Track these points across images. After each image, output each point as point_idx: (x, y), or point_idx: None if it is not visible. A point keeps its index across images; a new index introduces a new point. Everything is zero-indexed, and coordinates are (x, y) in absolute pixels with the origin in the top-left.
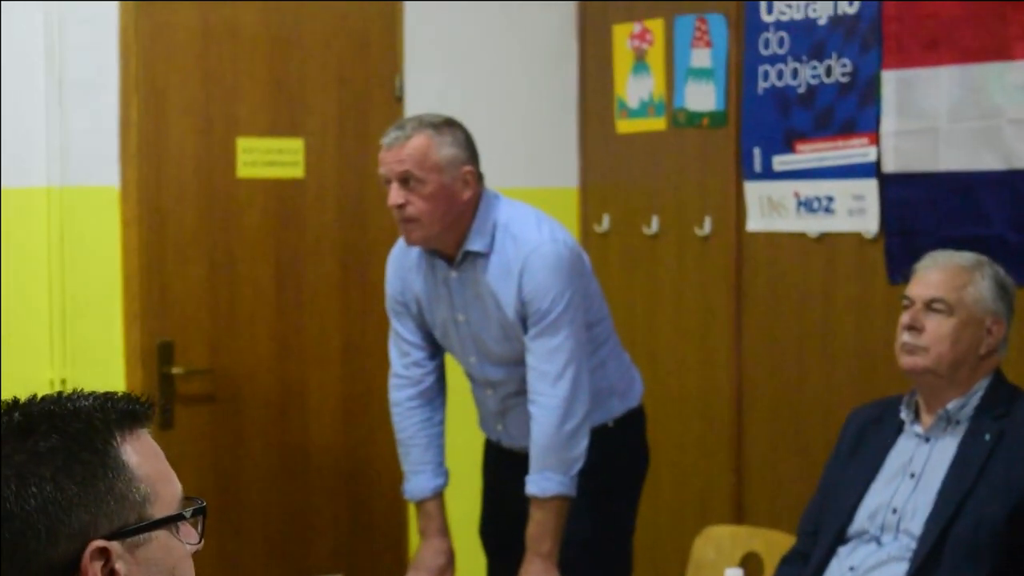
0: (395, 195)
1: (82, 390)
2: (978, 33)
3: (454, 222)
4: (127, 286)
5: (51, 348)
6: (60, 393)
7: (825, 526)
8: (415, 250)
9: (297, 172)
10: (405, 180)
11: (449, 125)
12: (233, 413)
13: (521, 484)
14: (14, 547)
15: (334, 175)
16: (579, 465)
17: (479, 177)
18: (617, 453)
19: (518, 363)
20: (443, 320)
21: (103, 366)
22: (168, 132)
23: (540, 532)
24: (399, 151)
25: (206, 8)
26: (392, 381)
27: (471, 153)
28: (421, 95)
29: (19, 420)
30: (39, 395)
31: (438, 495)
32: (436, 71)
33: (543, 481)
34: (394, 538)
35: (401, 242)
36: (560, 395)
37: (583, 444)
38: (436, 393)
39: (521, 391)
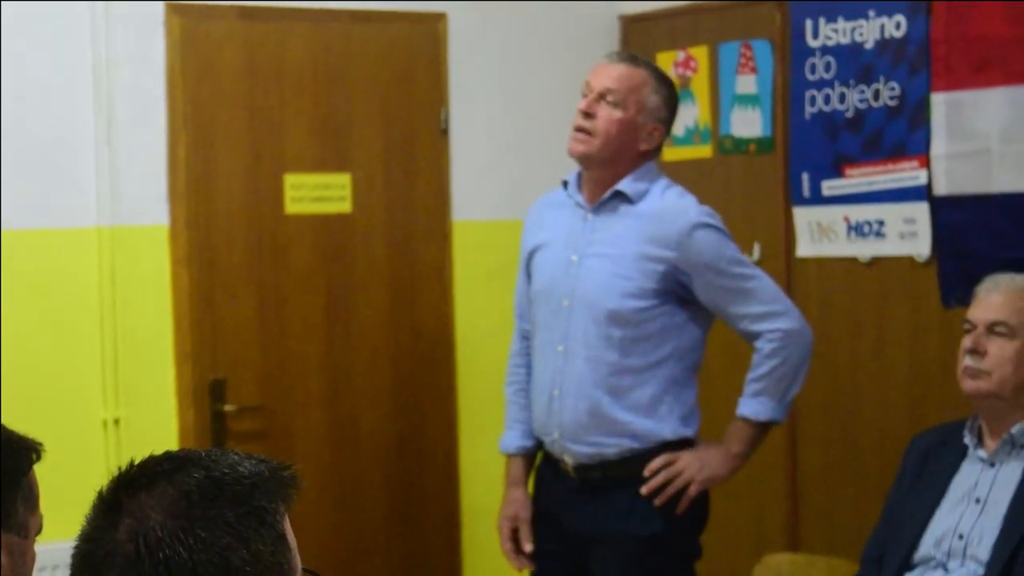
0: (588, 103)
1: (234, 451)
2: None
3: (619, 160)
4: (178, 324)
5: (103, 388)
6: (213, 453)
7: (890, 553)
8: (562, 194)
9: (344, 207)
10: (604, 95)
11: (670, 84)
12: (285, 449)
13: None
14: None
15: (382, 209)
16: (795, 391)
17: (662, 143)
18: None
19: (611, 319)
20: (557, 262)
21: (155, 405)
22: (216, 170)
23: (737, 435)
24: (616, 69)
25: (252, 46)
26: (512, 335)
27: (671, 116)
28: (466, 128)
29: (207, 484)
30: (193, 451)
31: (521, 453)
32: (481, 103)
33: (757, 405)
34: (448, 571)
35: (549, 191)
36: (792, 323)
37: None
38: None
39: (591, 359)
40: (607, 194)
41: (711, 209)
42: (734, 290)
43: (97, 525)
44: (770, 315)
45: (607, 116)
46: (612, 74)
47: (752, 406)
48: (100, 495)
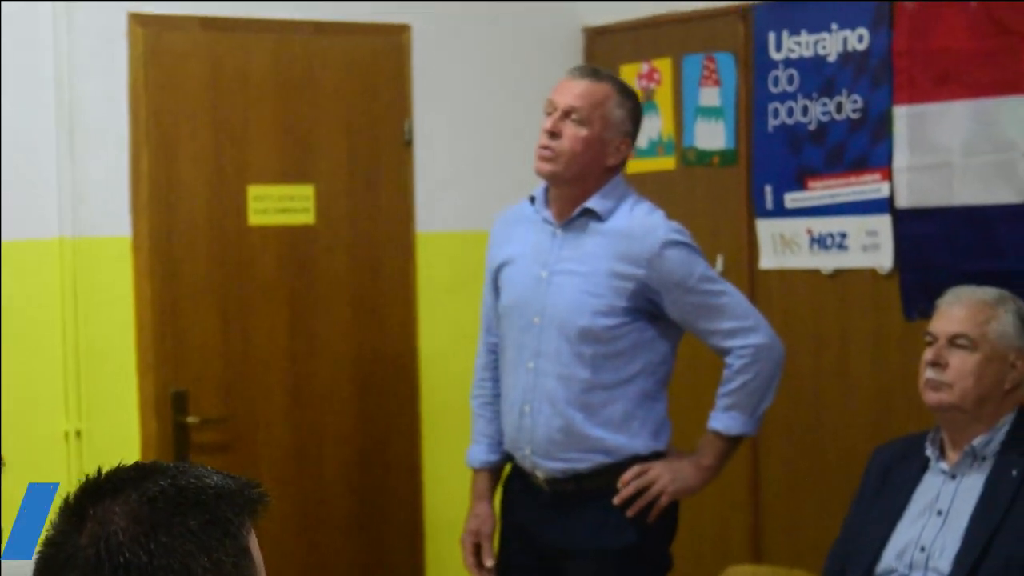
0: (553, 122)
1: (203, 466)
2: (990, 67)
3: (587, 177)
4: (140, 336)
5: (66, 400)
6: (181, 465)
7: (852, 565)
8: (528, 209)
9: (308, 219)
10: (569, 113)
11: (633, 97)
12: (248, 462)
13: (546, 527)
14: None
15: (345, 221)
16: (766, 405)
17: (627, 156)
18: None
19: (581, 336)
20: (526, 278)
21: (117, 417)
22: (179, 181)
23: (709, 448)
24: (579, 85)
25: (215, 56)
26: (478, 348)
27: (635, 130)
28: (430, 139)
29: (172, 492)
30: (161, 463)
31: (487, 468)
32: (445, 115)
33: (728, 419)
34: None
35: (516, 204)
36: (762, 338)
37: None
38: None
39: (561, 376)
40: (576, 212)
41: (680, 225)
42: (705, 307)
43: (61, 531)
44: (741, 331)
45: (573, 134)
46: (575, 91)
47: (724, 420)
48: (66, 501)
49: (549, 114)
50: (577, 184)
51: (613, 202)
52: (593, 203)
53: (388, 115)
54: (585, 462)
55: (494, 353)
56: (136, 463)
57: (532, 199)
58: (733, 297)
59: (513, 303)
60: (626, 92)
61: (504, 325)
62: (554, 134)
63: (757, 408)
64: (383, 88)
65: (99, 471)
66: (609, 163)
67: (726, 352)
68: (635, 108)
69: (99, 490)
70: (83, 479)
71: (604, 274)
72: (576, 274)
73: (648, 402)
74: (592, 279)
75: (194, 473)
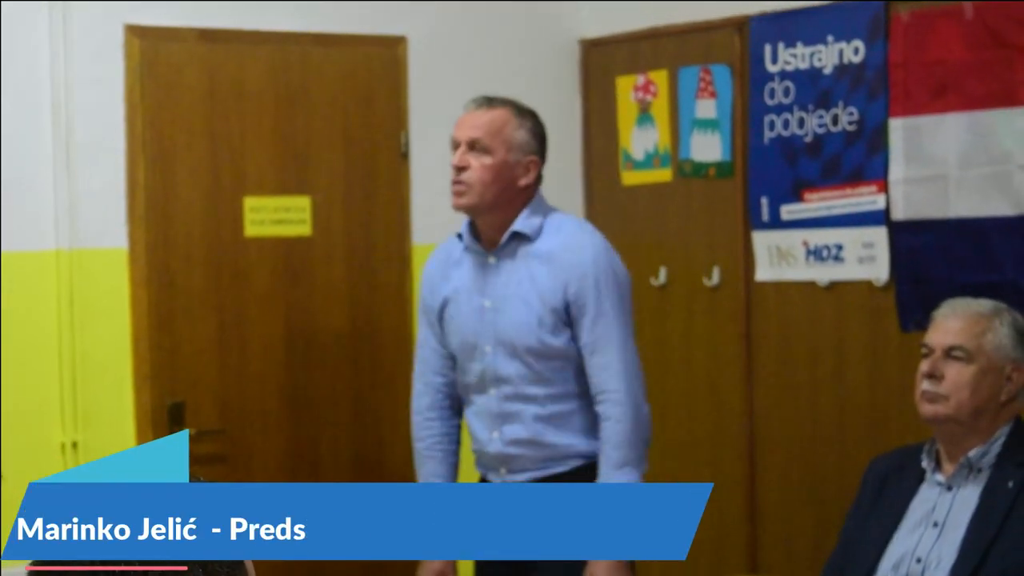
0: (459, 157)
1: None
2: (985, 79)
3: (505, 202)
4: (137, 348)
5: (62, 411)
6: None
7: None
8: (459, 246)
9: (304, 230)
10: (473, 145)
11: (532, 114)
12: (245, 473)
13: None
14: None
15: (341, 232)
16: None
17: (540, 173)
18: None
19: (535, 356)
20: (469, 310)
21: (114, 428)
22: (175, 193)
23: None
24: (478, 117)
25: (212, 68)
26: (415, 388)
27: (541, 146)
28: (427, 151)
29: None
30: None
31: None
32: (441, 127)
33: (623, 477)
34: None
35: (445, 243)
36: (625, 386)
37: (648, 435)
38: (451, 413)
39: (525, 396)
40: (505, 237)
41: (607, 245)
42: (598, 335)
43: None
44: (616, 374)
45: (479, 165)
46: (474, 122)
47: (619, 479)
48: None
49: (454, 149)
50: (498, 211)
51: (539, 219)
52: (520, 225)
53: (384, 127)
54: (563, 466)
55: (441, 392)
56: None
57: (460, 235)
58: (625, 343)
59: (463, 338)
60: (523, 113)
61: (460, 360)
62: (462, 168)
63: (642, 460)
64: (379, 100)
65: None
66: (522, 184)
67: (599, 395)
68: (535, 126)
69: None
70: None
71: (543, 295)
72: (517, 298)
73: None
74: (533, 301)
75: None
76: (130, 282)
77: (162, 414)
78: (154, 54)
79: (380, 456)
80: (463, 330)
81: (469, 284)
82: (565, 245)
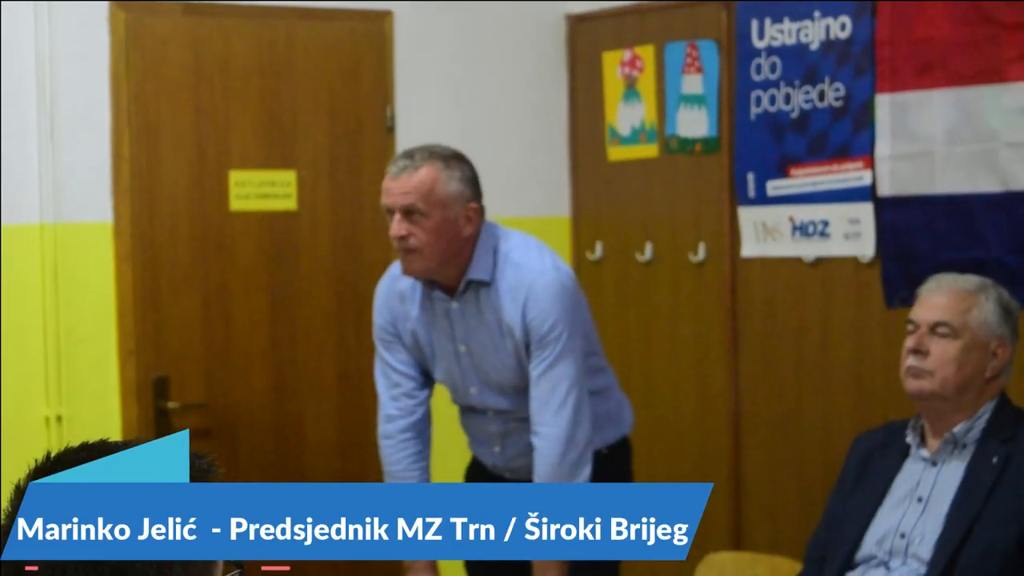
0: (397, 227)
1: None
2: (972, 56)
3: (454, 256)
4: (121, 322)
5: (46, 385)
6: (135, 441)
7: (832, 552)
8: (407, 280)
9: (290, 204)
10: (409, 212)
11: (458, 159)
12: (229, 447)
13: None
14: None
15: (327, 207)
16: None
17: (482, 213)
18: (608, 480)
19: (523, 390)
20: (444, 352)
21: (98, 402)
22: (160, 166)
23: (545, 564)
24: (406, 182)
25: (197, 42)
26: (382, 413)
27: (476, 189)
28: (412, 126)
29: None
30: (111, 441)
31: None
32: (427, 102)
33: None
34: (390, 571)
35: (391, 271)
36: (562, 424)
37: (586, 473)
38: (426, 425)
39: (523, 418)
40: (462, 286)
41: (556, 264)
42: (546, 370)
43: (10, 515)
44: (555, 406)
45: (419, 230)
46: (403, 189)
47: None
48: (17, 486)
49: (389, 216)
50: (450, 264)
51: (490, 258)
52: (474, 273)
53: (370, 101)
54: None
55: (415, 414)
56: (84, 444)
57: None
58: (572, 377)
59: (448, 378)
60: (449, 162)
61: (449, 387)
62: (403, 237)
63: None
64: (365, 74)
65: (48, 454)
66: (467, 234)
67: (535, 423)
68: (464, 172)
69: (47, 473)
70: (32, 463)
71: (511, 330)
72: (487, 342)
73: (593, 400)
74: (506, 343)
75: None
76: (115, 256)
77: (147, 388)
78: (139, 28)
79: (365, 430)
80: (447, 371)
81: (437, 327)
82: (519, 278)
